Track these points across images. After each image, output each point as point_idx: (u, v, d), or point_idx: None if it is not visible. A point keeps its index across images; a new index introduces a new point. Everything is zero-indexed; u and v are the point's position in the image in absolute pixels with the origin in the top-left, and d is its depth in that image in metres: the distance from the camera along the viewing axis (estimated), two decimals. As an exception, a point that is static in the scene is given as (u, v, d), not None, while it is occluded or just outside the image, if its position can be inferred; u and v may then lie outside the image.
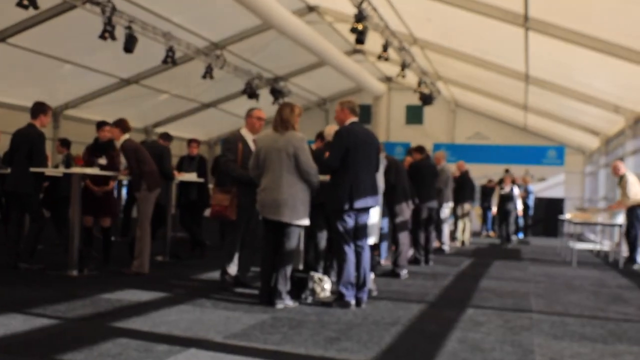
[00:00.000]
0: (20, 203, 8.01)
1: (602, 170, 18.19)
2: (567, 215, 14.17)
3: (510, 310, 6.53)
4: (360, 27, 11.53)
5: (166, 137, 9.78)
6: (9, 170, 7.98)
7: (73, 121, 16.27)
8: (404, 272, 8.70)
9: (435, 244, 11.81)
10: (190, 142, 10.87)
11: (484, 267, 10.38)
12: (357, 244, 6.35)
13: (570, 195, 20.85)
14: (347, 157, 6.22)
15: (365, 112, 20.79)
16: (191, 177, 10.18)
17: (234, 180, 6.93)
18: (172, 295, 6.55)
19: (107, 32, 11.31)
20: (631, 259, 11.28)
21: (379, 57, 13.71)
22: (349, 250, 6.24)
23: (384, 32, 12.87)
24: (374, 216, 7.00)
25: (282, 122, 6.20)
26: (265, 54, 16.34)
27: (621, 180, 11.48)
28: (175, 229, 11.05)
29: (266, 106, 14.06)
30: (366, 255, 6.39)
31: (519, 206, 16.44)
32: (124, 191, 12.89)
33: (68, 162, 10.34)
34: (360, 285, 6.32)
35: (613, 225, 12.21)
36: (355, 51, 18.22)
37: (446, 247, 12.77)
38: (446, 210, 12.57)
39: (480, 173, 18.84)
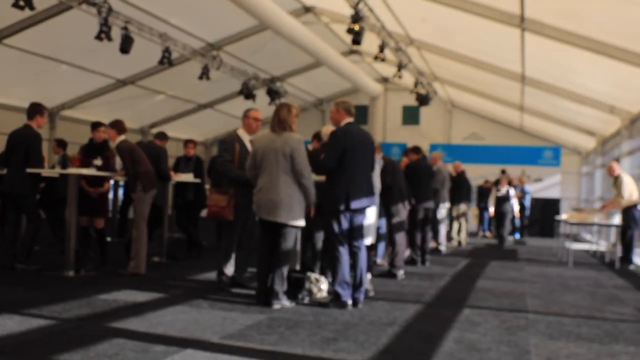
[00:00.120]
0: (16, 204, 7.99)
1: (598, 170, 18.23)
2: (563, 216, 14.20)
3: (506, 310, 6.54)
4: (356, 27, 11.54)
5: (162, 136, 9.74)
6: (5, 171, 7.96)
7: (69, 122, 16.26)
8: (400, 273, 8.70)
9: (431, 244, 11.82)
10: (187, 142, 10.86)
11: (481, 268, 10.39)
12: (354, 244, 6.35)
13: (566, 196, 20.90)
14: (343, 157, 6.22)
15: (362, 113, 20.80)
16: (188, 177, 10.17)
17: (231, 181, 6.92)
18: (169, 295, 6.53)
19: (104, 33, 11.30)
20: (626, 260, 11.30)
21: (376, 58, 13.72)
22: (343, 251, 6.24)
23: (380, 32, 12.88)
24: (371, 216, 7.01)
25: (279, 123, 6.20)
26: (261, 55, 16.34)
27: (616, 181, 11.50)
28: (171, 230, 11.04)
29: (263, 107, 14.08)
30: (363, 256, 6.39)
31: (516, 207, 16.46)
32: (120, 192, 12.86)
33: (64, 162, 10.32)
34: (356, 285, 6.32)
35: (609, 226, 12.23)
36: (352, 52, 18.23)
37: (443, 248, 12.78)
38: (443, 210, 12.57)
39: (477, 173, 18.86)
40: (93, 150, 8.39)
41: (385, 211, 8.82)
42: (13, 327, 4.86)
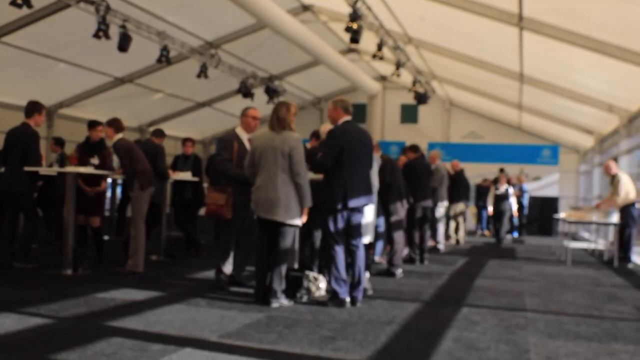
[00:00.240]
0: (14, 202, 7.98)
1: (597, 169, 18.24)
2: (561, 214, 14.19)
3: (505, 309, 6.53)
4: (354, 26, 11.53)
5: (159, 133, 9.68)
6: (3, 170, 7.94)
7: (67, 120, 16.23)
8: (399, 271, 8.69)
9: (430, 243, 11.81)
10: (185, 141, 10.85)
11: (479, 266, 10.38)
12: (352, 242, 6.34)
13: (564, 194, 20.91)
14: (341, 156, 6.21)
15: (360, 111, 20.80)
16: (186, 176, 10.16)
17: (229, 179, 6.91)
18: (167, 294, 6.52)
19: (101, 31, 11.28)
20: (625, 258, 11.30)
21: (374, 56, 13.72)
22: (339, 249, 6.23)
23: (378, 31, 12.88)
24: (369, 215, 7.00)
25: (278, 122, 6.19)
26: (259, 53, 16.33)
27: (613, 180, 11.50)
28: (170, 228, 11.02)
29: (261, 105, 14.05)
30: (361, 254, 6.38)
31: (514, 205, 16.46)
32: (118, 190, 12.86)
33: (62, 161, 10.31)
34: (355, 284, 6.31)
35: (607, 224, 12.23)
36: (350, 50, 18.22)
37: (441, 246, 12.77)
38: (441, 209, 12.57)
39: (475, 172, 18.87)
40: (90, 149, 8.34)
41: (384, 210, 8.81)
42: (10, 326, 4.85)
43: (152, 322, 5.18)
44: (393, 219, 8.84)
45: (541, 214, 19.59)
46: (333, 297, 6.21)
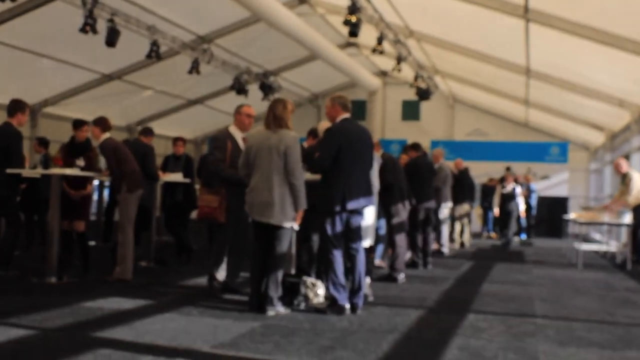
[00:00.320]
0: (-5, 206, 7.94)
1: (608, 167, 18.22)
2: (571, 215, 14.19)
3: (513, 315, 6.51)
4: (353, 19, 11.51)
5: (147, 132, 9.62)
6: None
7: (52, 119, 16.17)
8: (401, 276, 8.67)
9: (433, 246, 11.79)
10: (176, 140, 10.82)
11: (485, 270, 10.37)
12: (352, 246, 6.32)
13: (574, 194, 20.90)
14: (339, 155, 6.19)
15: (360, 108, 20.80)
16: (177, 177, 10.13)
17: (223, 181, 6.89)
18: (157, 302, 6.50)
19: (88, 26, 11.25)
20: (639, 261, 11.28)
21: (374, 51, 13.70)
22: (337, 253, 6.21)
23: (378, 24, 12.85)
24: (369, 217, 6.97)
25: (274, 120, 6.17)
26: (254, 48, 16.31)
27: (624, 179, 11.48)
28: (160, 233, 11.00)
29: (255, 102, 14.00)
30: (361, 259, 6.37)
31: (521, 206, 16.45)
32: (106, 193, 12.81)
33: (46, 162, 10.27)
34: (355, 290, 6.29)
35: (620, 225, 12.22)
36: (349, 44, 18.21)
37: (445, 250, 12.76)
38: (445, 210, 12.56)
39: (480, 171, 18.84)
40: (75, 150, 8.27)
41: (385, 211, 8.79)
42: (-9, 338, 4.82)
43: (142, 333, 5.15)
44: (395, 221, 8.82)
45: (550, 215, 19.58)
46: (332, 304, 6.19)
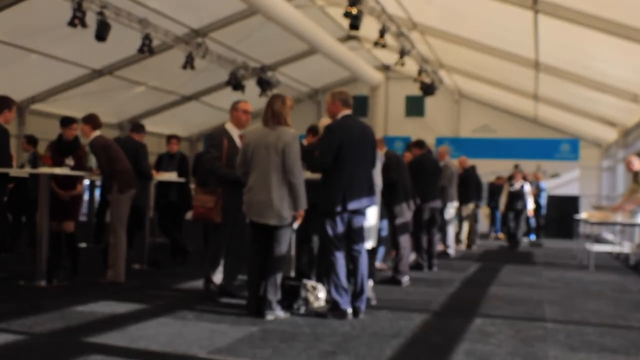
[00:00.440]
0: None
1: (620, 164, 18.23)
2: (583, 215, 14.19)
3: (522, 319, 6.53)
4: (354, 11, 11.51)
5: (138, 128, 9.59)
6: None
7: (40, 116, 16.19)
8: (405, 279, 8.69)
9: (439, 247, 11.81)
10: (170, 138, 10.83)
11: (493, 272, 10.39)
12: (354, 248, 6.34)
13: (586, 193, 20.89)
14: (339, 154, 6.20)
15: (361, 104, 20.78)
16: (171, 176, 10.14)
17: (219, 180, 6.90)
18: (151, 306, 6.51)
19: (77, 19, 11.25)
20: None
21: (376, 44, 13.70)
22: (339, 255, 6.22)
23: (380, 16, 12.86)
24: (372, 217, 6.98)
25: (273, 116, 6.18)
26: (251, 42, 16.31)
27: (636, 177, 11.49)
28: (153, 234, 11.01)
29: (253, 98, 14.02)
30: (363, 261, 6.38)
31: (530, 205, 16.44)
32: (97, 193, 12.83)
33: (35, 161, 10.28)
34: (357, 293, 6.30)
35: (634, 225, 12.23)
36: (350, 37, 18.20)
37: (451, 251, 12.77)
38: (451, 210, 12.57)
39: (487, 169, 18.84)
40: (63, 148, 8.26)
41: (388, 212, 8.79)
42: (-21, 344, 4.83)
43: (135, 338, 5.16)
44: (398, 221, 8.83)
45: (560, 215, 19.58)
46: (333, 307, 6.20)
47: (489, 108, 21.78)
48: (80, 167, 8.13)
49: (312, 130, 8.18)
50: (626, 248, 13.75)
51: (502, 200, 16.30)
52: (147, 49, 13.39)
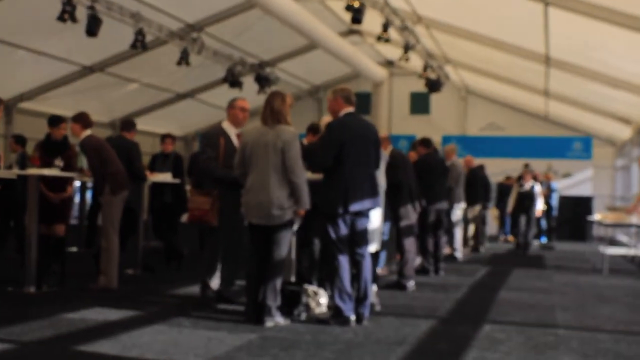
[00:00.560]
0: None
1: (635, 163, 18.22)
2: (596, 216, 14.19)
3: (533, 325, 6.53)
4: (356, 4, 11.54)
5: (129, 126, 9.56)
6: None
7: (28, 115, 16.19)
8: (410, 284, 8.68)
9: (446, 250, 11.80)
10: (164, 137, 10.84)
11: (503, 277, 10.39)
12: (357, 251, 6.33)
13: (599, 193, 20.89)
14: (341, 153, 6.20)
15: (364, 101, 20.78)
16: (165, 177, 10.14)
17: (215, 181, 6.90)
18: (145, 313, 6.51)
19: (67, 13, 11.26)
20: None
21: (379, 39, 13.71)
22: (343, 259, 6.22)
23: (383, 9, 12.87)
24: (375, 220, 6.98)
25: (272, 114, 6.18)
26: (248, 36, 16.31)
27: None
28: (147, 238, 11.00)
29: (251, 96, 14.03)
30: (367, 265, 6.37)
31: (540, 206, 16.43)
32: (88, 195, 12.83)
33: (23, 162, 10.26)
34: (361, 298, 6.30)
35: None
36: (352, 32, 18.21)
37: (458, 254, 12.78)
38: (458, 211, 12.57)
39: (496, 169, 18.84)
40: (51, 149, 8.26)
41: (392, 213, 8.78)
42: (-35, 352, 4.83)
43: (129, 346, 5.16)
44: (403, 223, 8.82)
45: (573, 216, 19.57)
46: (336, 314, 6.20)
47: (497, 105, 21.78)
48: (70, 168, 8.13)
49: (313, 128, 8.17)
50: (642, 251, 13.75)
51: (510, 201, 16.28)
52: (140, 44, 13.39)
